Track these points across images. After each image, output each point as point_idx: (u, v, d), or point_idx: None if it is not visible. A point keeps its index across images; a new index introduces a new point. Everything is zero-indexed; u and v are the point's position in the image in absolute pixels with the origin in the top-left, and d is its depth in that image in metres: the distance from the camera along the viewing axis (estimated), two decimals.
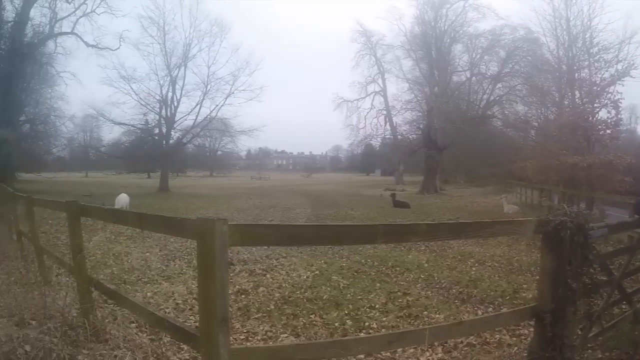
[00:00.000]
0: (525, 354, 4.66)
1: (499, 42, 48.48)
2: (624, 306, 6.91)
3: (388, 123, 57.23)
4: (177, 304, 7.18)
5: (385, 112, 57.37)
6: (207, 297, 2.77)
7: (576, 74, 36.23)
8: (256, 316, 6.64)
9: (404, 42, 52.97)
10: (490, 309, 7.30)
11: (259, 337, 5.85)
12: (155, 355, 4.58)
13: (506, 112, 49.16)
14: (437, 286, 8.74)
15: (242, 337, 5.80)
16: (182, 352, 4.87)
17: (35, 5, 36.10)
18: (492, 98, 51.27)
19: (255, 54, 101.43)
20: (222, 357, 2.74)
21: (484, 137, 46.73)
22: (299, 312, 6.87)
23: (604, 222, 14.32)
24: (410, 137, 51.76)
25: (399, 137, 54.68)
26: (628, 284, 7.51)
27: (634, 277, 8.27)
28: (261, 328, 6.15)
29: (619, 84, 30.14)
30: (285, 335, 5.96)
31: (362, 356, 4.96)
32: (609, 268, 6.39)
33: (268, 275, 9.22)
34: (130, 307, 4.48)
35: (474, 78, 52.52)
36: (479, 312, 7.13)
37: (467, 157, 51.18)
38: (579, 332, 5.07)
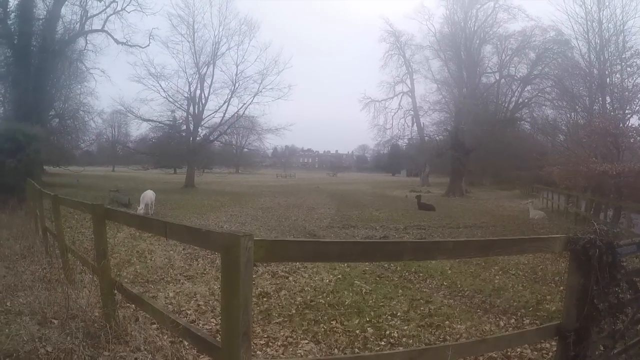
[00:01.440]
0: None
1: (529, 43, 47.91)
2: None
3: (415, 124, 57.30)
4: (198, 305, 7.24)
5: (412, 112, 57.35)
6: (230, 311, 2.78)
7: (607, 79, 35.50)
8: (277, 320, 6.64)
9: (433, 43, 52.81)
10: (513, 320, 7.22)
11: (279, 343, 5.84)
12: (175, 359, 4.63)
13: (535, 115, 48.72)
14: (460, 294, 8.68)
15: (262, 342, 5.80)
16: (203, 356, 4.87)
17: (66, 3, 37.10)
18: (520, 100, 50.73)
19: (284, 52, 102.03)
20: None
21: (511, 140, 46.12)
22: (320, 317, 6.84)
23: (631, 232, 14.12)
24: (437, 138, 51.69)
25: (426, 138, 54.64)
26: None
27: None
28: (282, 333, 6.15)
29: None
30: (306, 341, 5.93)
31: None
32: (637, 285, 6.30)
33: (291, 278, 9.23)
34: (152, 312, 4.52)
35: (503, 80, 52.01)
36: (501, 323, 7.06)
37: (494, 160, 50.59)
38: (602, 350, 5.01)
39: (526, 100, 49.89)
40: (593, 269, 3.98)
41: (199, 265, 10.13)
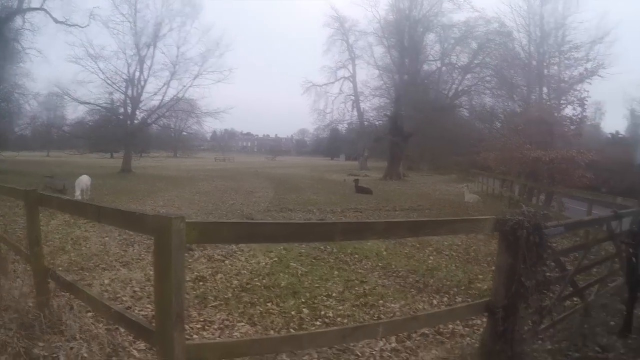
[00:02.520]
0: (477, 345, 4.73)
1: (471, 33, 48.65)
2: (575, 300, 7.09)
3: (355, 109, 57.34)
4: (134, 291, 7.02)
5: (353, 97, 57.40)
6: (163, 294, 2.75)
7: (545, 70, 36.72)
8: (213, 304, 6.55)
9: (377, 29, 52.89)
10: (446, 299, 7.40)
11: (215, 326, 5.76)
12: (111, 347, 4.48)
13: (474, 103, 49.61)
14: (395, 275, 8.79)
15: (198, 326, 5.71)
16: (139, 342, 4.74)
17: None
18: (460, 88, 51.50)
19: (226, 35, 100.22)
20: (177, 354, 2.73)
21: (450, 126, 47.00)
22: (256, 300, 6.79)
23: (562, 215, 14.68)
24: (377, 123, 52.20)
25: (366, 123, 55.05)
26: (581, 277, 7.70)
27: (587, 272, 8.50)
28: (218, 317, 6.07)
29: (587, 82, 30.72)
30: (242, 324, 5.88)
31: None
32: (563, 264, 6.53)
33: (227, 262, 9.10)
34: (87, 300, 4.36)
35: (444, 68, 52.68)
36: (434, 302, 7.22)
37: (432, 145, 51.49)
38: (530, 325, 5.17)
39: (466, 88, 50.67)
40: (521, 249, 4.07)
41: (135, 251, 9.85)
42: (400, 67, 50.49)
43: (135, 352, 4.65)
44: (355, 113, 57.80)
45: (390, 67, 52.43)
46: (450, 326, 6.19)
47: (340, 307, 6.65)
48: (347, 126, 67.70)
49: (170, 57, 43.99)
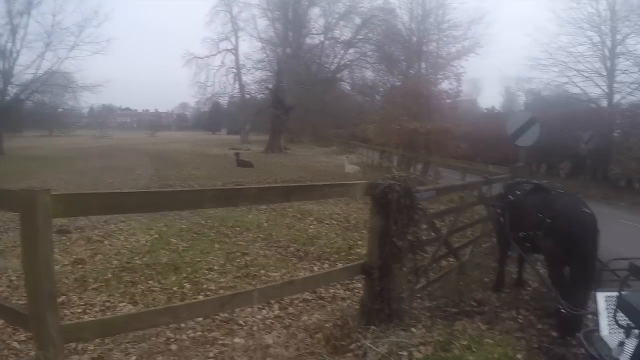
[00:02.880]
0: (357, 307, 4.84)
1: (355, 9, 49.24)
2: (451, 260, 7.51)
3: (237, 82, 56.34)
4: (11, 280, 6.55)
5: (235, 70, 56.44)
6: (33, 273, 2.64)
7: (425, 47, 37.85)
8: (94, 286, 6.26)
9: (262, 1, 52.04)
10: (326, 265, 7.58)
11: (96, 309, 5.54)
12: None
13: (355, 77, 50.58)
14: (276, 245, 8.87)
15: (79, 311, 5.47)
16: (19, 333, 4.51)
17: None
18: (343, 62, 52.31)
19: (105, 3, 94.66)
20: (52, 336, 2.62)
21: (331, 99, 47.78)
22: (137, 278, 6.60)
23: (438, 182, 15.47)
24: (259, 96, 51.84)
25: (247, 96, 54.33)
26: (456, 239, 8.17)
27: (462, 234, 9.03)
28: (99, 299, 5.83)
29: (464, 59, 32.32)
30: (124, 304, 5.70)
31: (201, 319, 4.91)
32: (437, 227, 6.87)
33: (106, 242, 8.71)
34: None
35: (327, 42, 53.17)
36: (315, 269, 7.38)
37: (313, 118, 52.10)
38: (407, 285, 5.39)
39: (348, 63, 51.39)
40: (392, 211, 4.20)
41: (10, 237, 9.12)
42: (283, 41, 50.24)
43: (15, 344, 4.44)
44: (237, 86, 56.87)
45: (273, 40, 51.99)
46: (332, 291, 6.35)
47: (222, 280, 6.61)
48: (228, 99, 66.45)
49: (45, 26, 40.34)
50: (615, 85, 36.03)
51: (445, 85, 27.65)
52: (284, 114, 43.65)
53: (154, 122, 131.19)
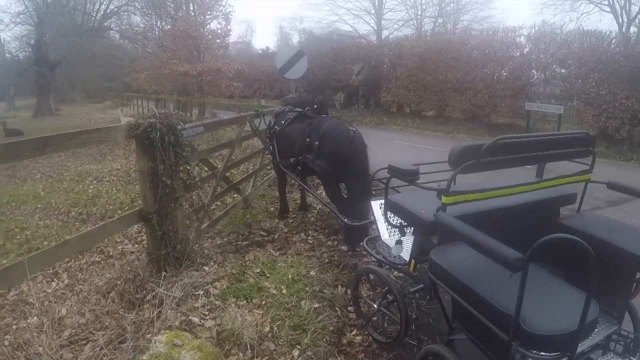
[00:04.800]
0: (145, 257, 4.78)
1: None
2: (236, 195, 7.72)
3: None
4: None
5: None
6: None
7: None
8: None
9: None
10: None
11: None
12: None
13: (123, 25, 47.52)
14: (56, 212, 8.48)
15: None
16: None
17: None
18: (109, 9, 48.69)
19: None
20: None
21: (100, 51, 44.60)
22: None
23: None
24: (20, 55, 46.50)
25: (7, 55, 48.50)
26: (238, 175, 8.37)
27: (243, 170, 9.27)
28: None
29: None
30: None
31: None
32: (211, 163, 6.98)
33: None
34: None
35: None
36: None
37: (83, 73, 48.40)
38: (193, 225, 5.46)
39: (115, 9, 48.09)
40: (158, 150, 4.15)
41: None
42: None
43: None
44: None
45: None
46: (120, 247, 6.26)
47: (5, 261, 6.13)
48: None
49: None
50: (383, 22, 39.40)
51: (214, 25, 27.38)
52: (49, 72, 39.46)
53: None
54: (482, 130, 17.37)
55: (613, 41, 15.92)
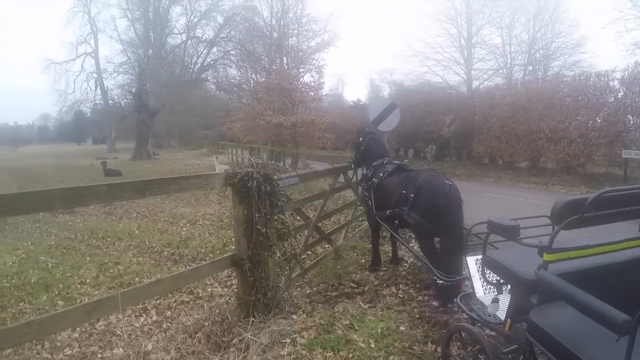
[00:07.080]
0: (235, 301, 4.86)
1: (217, 7, 48.72)
2: (327, 246, 7.76)
3: (99, 87, 53.64)
4: None
5: (96, 75, 53.61)
6: None
7: (285, 42, 38.45)
8: None
9: (121, 1, 49.89)
10: None
11: None
12: None
13: (219, 76, 50.07)
14: (149, 251, 8.79)
15: None
16: None
17: None
18: (206, 62, 51.61)
19: None
20: None
21: (197, 100, 47.12)
22: (6, 302, 6.29)
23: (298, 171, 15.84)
24: (122, 102, 49.76)
25: (111, 102, 51.98)
26: (330, 226, 8.43)
27: (335, 220, 9.32)
28: None
29: (324, 52, 33.39)
30: None
31: (77, 335, 4.91)
32: (304, 213, 7.11)
33: None
34: None
35: (189, 41, 52.16)
36: None
37: (180, 121, 51.28)
38: (284, 273, 5.56)
39: (212, 62, 50.85)
40: (254, 198, 4.32)
41: None
42: (144, 41, 48.56)
43: None
44: (99, 92, 54.15)
45: (134, 41, 50.10)
46: (210, 290, 6.42)
47: (96, 292, 6.48)
48: (91, 107, 62.94)
49: None
50: (473, 72, 39.39)
51: (307, 78, 28.26)
52: (148, 118, 42.17)
53: (14, 137, 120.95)
54: (578, 181, 16.59)
55: None
